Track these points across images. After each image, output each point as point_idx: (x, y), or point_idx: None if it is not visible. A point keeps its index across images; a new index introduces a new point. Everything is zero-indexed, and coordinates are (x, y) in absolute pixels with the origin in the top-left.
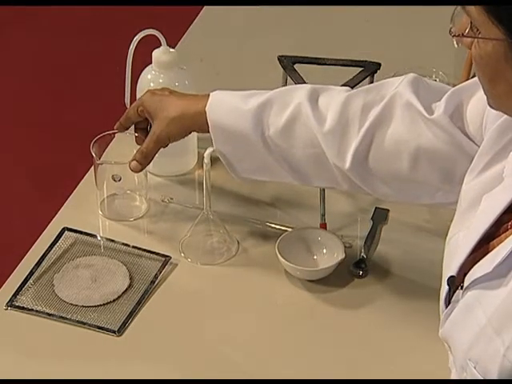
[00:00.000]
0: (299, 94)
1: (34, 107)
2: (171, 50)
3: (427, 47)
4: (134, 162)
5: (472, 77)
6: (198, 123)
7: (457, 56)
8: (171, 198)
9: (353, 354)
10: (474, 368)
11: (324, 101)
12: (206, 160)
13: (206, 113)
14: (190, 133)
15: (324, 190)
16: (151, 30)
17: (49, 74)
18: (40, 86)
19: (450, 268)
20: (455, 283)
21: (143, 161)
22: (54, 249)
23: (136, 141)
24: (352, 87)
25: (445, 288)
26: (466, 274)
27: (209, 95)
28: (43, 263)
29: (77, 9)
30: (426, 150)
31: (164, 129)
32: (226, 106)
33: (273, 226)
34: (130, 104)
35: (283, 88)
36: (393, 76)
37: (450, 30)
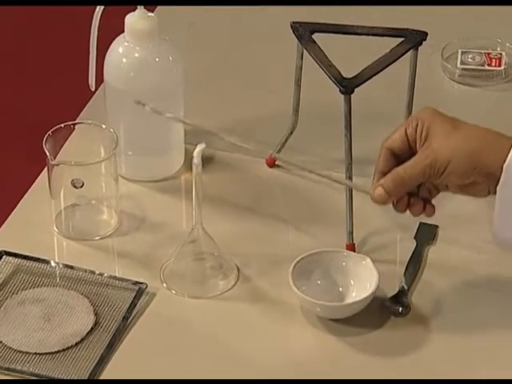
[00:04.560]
0: None
1: None
2: (150, 14)
3: (488, 11)
4: (380, 188)
5: None
6: (499, 162)
7: None
8: None
9: None
10: None
11: None
12: (196, 160)
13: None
14: (474, 176)
15: (351, 199)
16: None
17: None
18: None
19: None
20: None
21: (395, 191)
22: None
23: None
24: (391, 63)
25: None
26: None
27: None
28: None
29: None
30: None
31: (448, 154)
32: None
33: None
34: (96, 85)
35: None
36: (443, 49)
37: None
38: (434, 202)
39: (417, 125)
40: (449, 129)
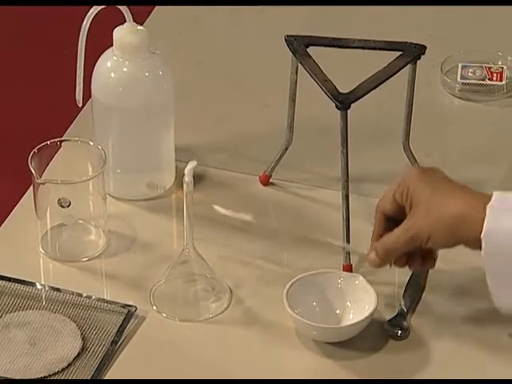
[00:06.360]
0: None
1: None
2: (139, 27)
3: (489, 24)
4: (374, 254)
5: None
6: (476, 234)
7: None
8: None
9: None
10: None
11: None
12: (188, 178)
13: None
14: (458, 244)
15: (348, 216)
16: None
17: None
18: None
19: None
20: None
21: (385, 257)
22: None
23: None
24: (388, 77)
25: None
26: None
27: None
28: None
29: None
30: None
31: (427, 228)
32: None
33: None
34: (83, 101)
35: None
36: (442, 63)
37: None
38: None
39: (403, 191)
40: (428, 196)
